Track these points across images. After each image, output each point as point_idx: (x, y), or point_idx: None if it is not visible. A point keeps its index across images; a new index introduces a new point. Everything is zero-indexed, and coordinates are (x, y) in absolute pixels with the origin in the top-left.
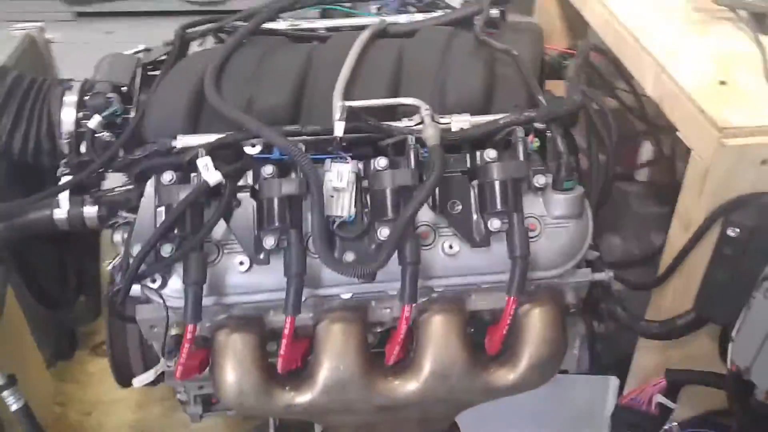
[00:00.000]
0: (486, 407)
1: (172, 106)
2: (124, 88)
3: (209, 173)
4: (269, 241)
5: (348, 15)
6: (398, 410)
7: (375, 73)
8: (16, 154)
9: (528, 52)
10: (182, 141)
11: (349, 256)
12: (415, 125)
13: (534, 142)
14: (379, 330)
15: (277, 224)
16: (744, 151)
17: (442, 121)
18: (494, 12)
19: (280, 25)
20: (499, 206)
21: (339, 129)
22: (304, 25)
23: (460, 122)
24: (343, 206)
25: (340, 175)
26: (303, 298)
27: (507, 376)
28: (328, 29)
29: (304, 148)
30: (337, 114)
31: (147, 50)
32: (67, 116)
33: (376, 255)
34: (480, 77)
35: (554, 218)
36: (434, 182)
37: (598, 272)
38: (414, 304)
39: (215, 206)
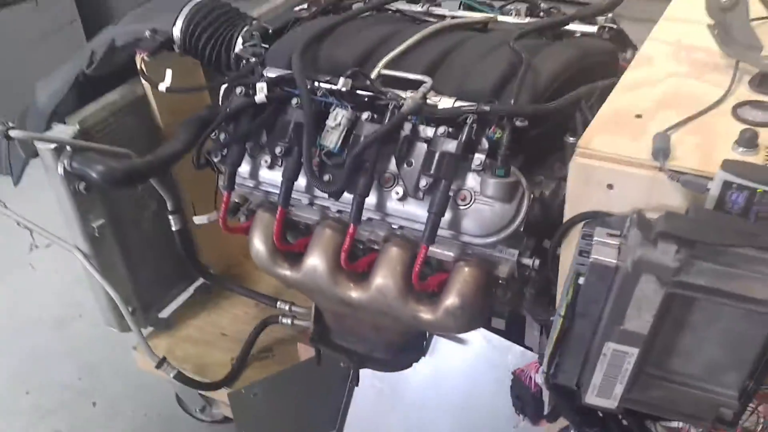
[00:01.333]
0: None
1: (283, 49)
2: (270, 30)
3: (260, 94)
4: (277, 149)
5: (472, 8)
6: (354, 307)
7: (426, 53)
8: (206, 59)
9: (553, 63)
10: (269, 71)
11: (326, 177)
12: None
13: (497, 133)
14: (361, 247)
15: (286, 139)
16: (590, 171)
17: (434, 99)
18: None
19: (406, 6)
20: (432, 170)
21: (341, 83)
22: (417, 8)
23: (445, 103)
24: (331, 140)
25: (335, 116)
26: (308, 201)
27: (428, 313)
28: (436, 15)
29: (320, 92)
30: (372, 76)
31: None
32: (238, 41)
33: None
34: (495, 74)
35: (485, 196)
36: (375, 136)
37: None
38: (357, 226)
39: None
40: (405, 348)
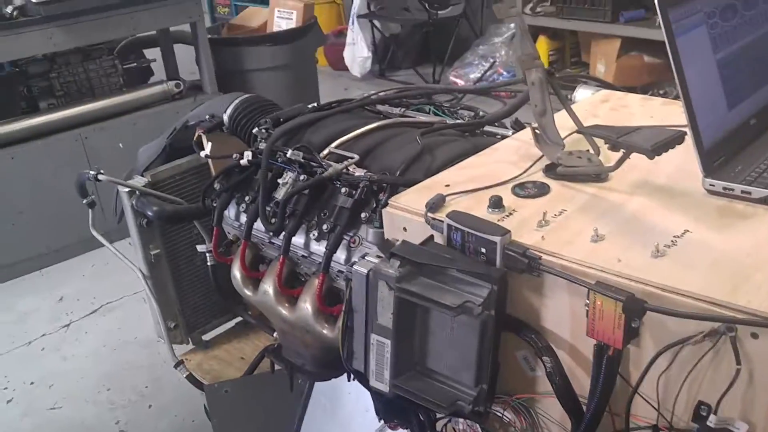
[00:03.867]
0: None
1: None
2: (281, 119)
3: (244, 159)
4: (247, 198)
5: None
6: (290, 325)
7: (367, 140)
8: (243, 138)
9: (447, 152)
10: (261, 145)
11: (273, 221)
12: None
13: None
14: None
15: (254, 192)
16: (393, 218)
17: (354, 171)
18: None
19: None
20: (332, 219)
21: (290, 153)
22: (395, 111)
23: (358, 172)
24: (279, 193)
25: (285, 177)
26: (268, 240)
27: (330, 332)
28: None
29: (280, 159)
30: (325, 152)
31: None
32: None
33: None
34: (402, 157)
35: (368, 242)
36: (295, 188)
37: None
38: (286, 257)
39: None
40: (329, 363)
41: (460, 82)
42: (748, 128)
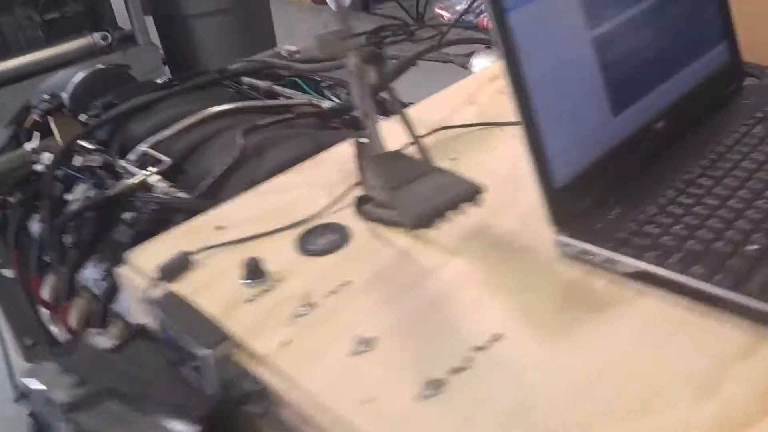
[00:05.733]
0: None
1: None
2: None
3: (39, 165)
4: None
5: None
6: None
7: (191, 137)
8: None
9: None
10: None
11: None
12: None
13: None
14: None
15: None
16: (126, 285)
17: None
18: None
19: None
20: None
21: (78, 160)
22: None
23: (152, 180)
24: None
25: (75, 191)
26: None
27: None
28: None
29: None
30: (132, 157)
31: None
32: None
33: None
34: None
35: None
36: (67, 214)
37: None
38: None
39: None
40: None
41: (446, 15)
42: (649, 138)
